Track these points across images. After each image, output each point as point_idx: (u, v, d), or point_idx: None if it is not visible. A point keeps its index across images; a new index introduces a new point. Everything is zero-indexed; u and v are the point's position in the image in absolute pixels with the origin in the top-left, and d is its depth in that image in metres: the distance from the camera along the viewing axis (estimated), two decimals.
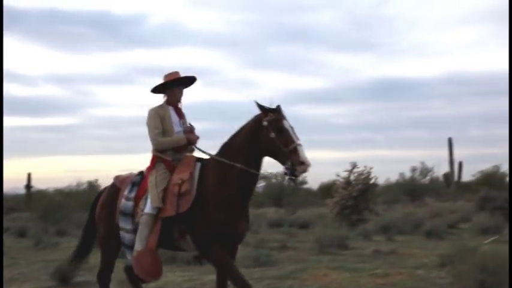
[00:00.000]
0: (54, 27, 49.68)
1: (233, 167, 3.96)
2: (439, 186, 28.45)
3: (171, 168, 4.20)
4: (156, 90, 4.39)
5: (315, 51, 54.54)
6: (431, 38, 51.73)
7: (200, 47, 50.54)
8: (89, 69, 51.77)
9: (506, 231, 10.61)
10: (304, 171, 3.79)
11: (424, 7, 51.84)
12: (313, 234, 10.68)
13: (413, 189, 27.29)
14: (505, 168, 27.01)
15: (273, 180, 26.42)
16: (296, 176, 3.81)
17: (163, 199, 4.06)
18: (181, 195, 3.98)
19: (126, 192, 4.32)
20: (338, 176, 14.77)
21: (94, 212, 4.67)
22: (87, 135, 48.81)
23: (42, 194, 23.24)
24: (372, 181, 14.22)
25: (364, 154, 44.35)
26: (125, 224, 4.25)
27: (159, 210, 4.06)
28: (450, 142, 25.18)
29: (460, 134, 49.78)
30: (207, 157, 4.24)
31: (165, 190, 4.08)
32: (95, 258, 4.93)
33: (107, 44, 51.65)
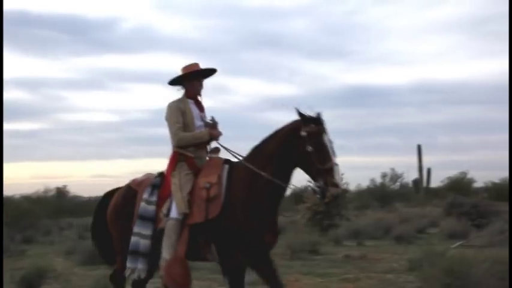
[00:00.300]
0: (24, 31, 48.73)
1: (260, 175, 3.71)
2: (408, 192, 28.94)
3: (195, 170, 3.94)
4: (173, 82, 4.14)
5: (287, 58, 55.04)
6: (402, 47, 52.86)
7: (172, 52, 50.40)
8: (60, 73, 50.89)
9: (473, 235, 10.86)
10: (336, 194, 3.53)
11: (395, 16, 53.03)
12: (285, 240, 10.67)
13: (383, 195, 27.69)
14: (471, 174, 27.82)
15: None
16: (325, 198, 3.55)
17: (190, 204, 3.78)
18: (210, 200, 3.71)
19: (146, 196, 3.99)
20: (310, 182, 14.80)
21: (99, 215, 4.37)
22: (56, 141, 48.01)
23: (9, 201, 22.59)
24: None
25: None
26: (142, 229, 3.92)
27: (185, 215, 3.78)
28: (419, 149, 25.70)
29: (429, 141, 50.92)
30: (235, 159, 3.97)
31: (191, 194, 3.81)
32: (61, 265, 4.83)
33: (78, 48, 50.91)
